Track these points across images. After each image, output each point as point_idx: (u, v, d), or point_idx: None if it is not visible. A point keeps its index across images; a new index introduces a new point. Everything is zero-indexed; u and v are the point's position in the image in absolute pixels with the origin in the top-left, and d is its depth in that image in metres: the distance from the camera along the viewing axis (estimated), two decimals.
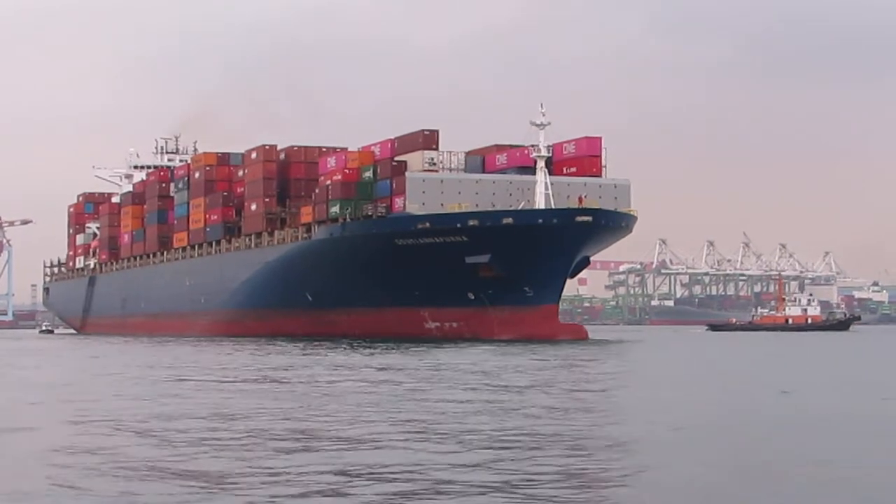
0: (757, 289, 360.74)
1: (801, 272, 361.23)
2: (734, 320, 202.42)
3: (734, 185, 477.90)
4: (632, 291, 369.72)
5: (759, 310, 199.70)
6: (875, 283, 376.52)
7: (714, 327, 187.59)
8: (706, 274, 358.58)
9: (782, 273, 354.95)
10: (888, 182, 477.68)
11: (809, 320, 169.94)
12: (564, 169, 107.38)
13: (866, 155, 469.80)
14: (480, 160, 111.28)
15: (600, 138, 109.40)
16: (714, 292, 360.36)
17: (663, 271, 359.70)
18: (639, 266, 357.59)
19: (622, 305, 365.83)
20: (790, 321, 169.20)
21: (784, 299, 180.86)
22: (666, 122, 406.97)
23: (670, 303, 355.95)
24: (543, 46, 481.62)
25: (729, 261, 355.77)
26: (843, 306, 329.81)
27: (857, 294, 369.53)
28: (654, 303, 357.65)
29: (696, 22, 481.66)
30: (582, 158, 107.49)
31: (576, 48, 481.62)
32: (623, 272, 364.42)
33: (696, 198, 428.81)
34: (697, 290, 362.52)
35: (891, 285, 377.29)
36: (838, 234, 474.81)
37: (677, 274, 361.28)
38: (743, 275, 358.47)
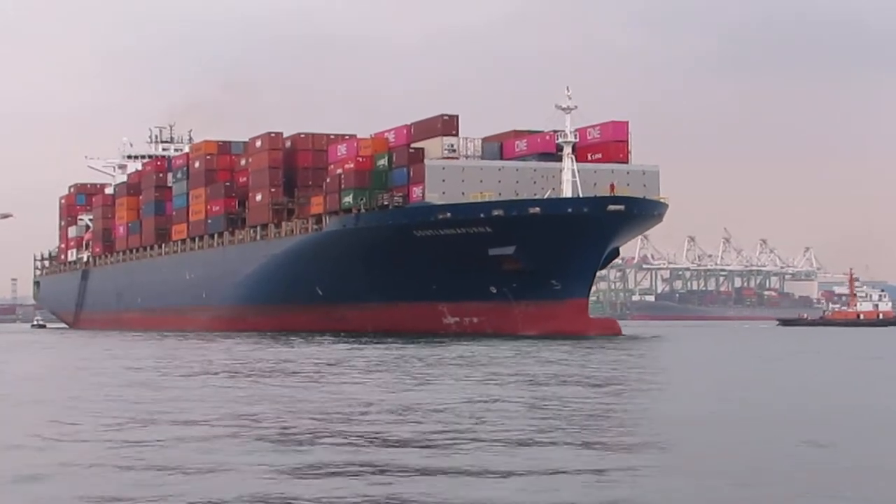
0: (738, 284, 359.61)
1: (782, 267, 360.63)
2: (805, 315, 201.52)
3: (715, 181, 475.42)
4: (612, 286, 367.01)
5: (831, 305, 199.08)
6: (856, 279, 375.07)
7: (785, 322, 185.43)
8: (687, 269, 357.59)
9: (763, 268, 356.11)
10: (869, 178, 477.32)
11: (881, 315, 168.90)
12: (589, 155, 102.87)
13: (848, 151, 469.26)
14: (498, 146, 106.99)
15: (627, 122, 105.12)
16: (695, 287, 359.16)
17: (644, 266, 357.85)
18: (620, 261, 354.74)
19: (603, 300, 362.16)
20: (862, 317, 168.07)
21: (856, 295, 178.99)
22: (645, 117, 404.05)
23: (651, 298, 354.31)
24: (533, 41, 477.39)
25: (710, 256, 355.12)
26: (823, 301, 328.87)
27: (837, 289, 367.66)
28: (635, 298, 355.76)
29: (672, 16, 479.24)
30: (608, 144, 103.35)
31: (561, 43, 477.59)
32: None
33: (676, 193, 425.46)
34: (678, 285, 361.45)
35: (871, 281, 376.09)
36: (819, 229, 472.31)
37: (658, 269, 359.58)
38: (724, 270, 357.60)
